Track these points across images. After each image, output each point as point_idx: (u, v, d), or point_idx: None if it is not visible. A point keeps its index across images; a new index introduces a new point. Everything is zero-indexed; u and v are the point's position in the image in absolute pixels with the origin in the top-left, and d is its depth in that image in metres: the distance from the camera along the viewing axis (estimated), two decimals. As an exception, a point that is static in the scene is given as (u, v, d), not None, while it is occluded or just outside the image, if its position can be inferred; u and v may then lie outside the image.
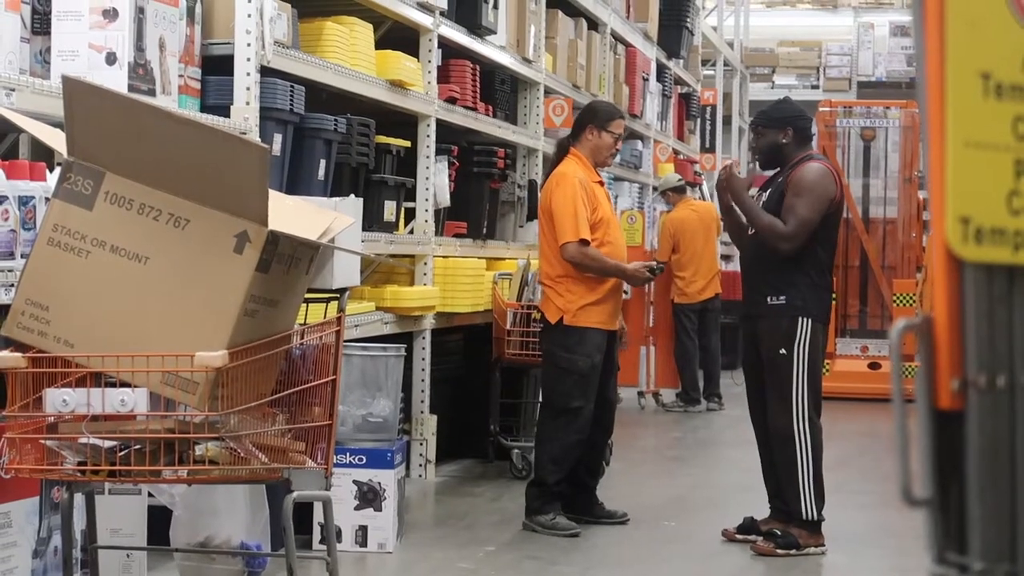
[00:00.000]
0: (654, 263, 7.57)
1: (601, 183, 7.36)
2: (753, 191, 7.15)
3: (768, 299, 6.79)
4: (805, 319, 6.71)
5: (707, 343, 13.07)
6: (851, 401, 13.00)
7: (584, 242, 7.06)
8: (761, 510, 7.04)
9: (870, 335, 14.40)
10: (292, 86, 6.66)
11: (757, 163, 7.34)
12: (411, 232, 8.34)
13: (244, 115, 6.20)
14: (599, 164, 7.40)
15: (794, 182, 6.76)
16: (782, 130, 6.95)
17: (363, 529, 6.50)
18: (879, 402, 12.75)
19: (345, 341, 4.57)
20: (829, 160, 7.21)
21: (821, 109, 14.73)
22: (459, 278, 8.65)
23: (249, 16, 6.24)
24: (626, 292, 9.57)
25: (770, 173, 7.10)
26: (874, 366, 14.05)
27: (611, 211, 7.34)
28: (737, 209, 6.95)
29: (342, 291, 4.55)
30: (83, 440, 3.98)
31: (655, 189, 14.21)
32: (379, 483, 6.51)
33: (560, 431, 7.14)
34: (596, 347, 7.14)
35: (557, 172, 7.29)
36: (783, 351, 6.72)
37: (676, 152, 16.17)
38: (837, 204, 6.84)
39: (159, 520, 5.33)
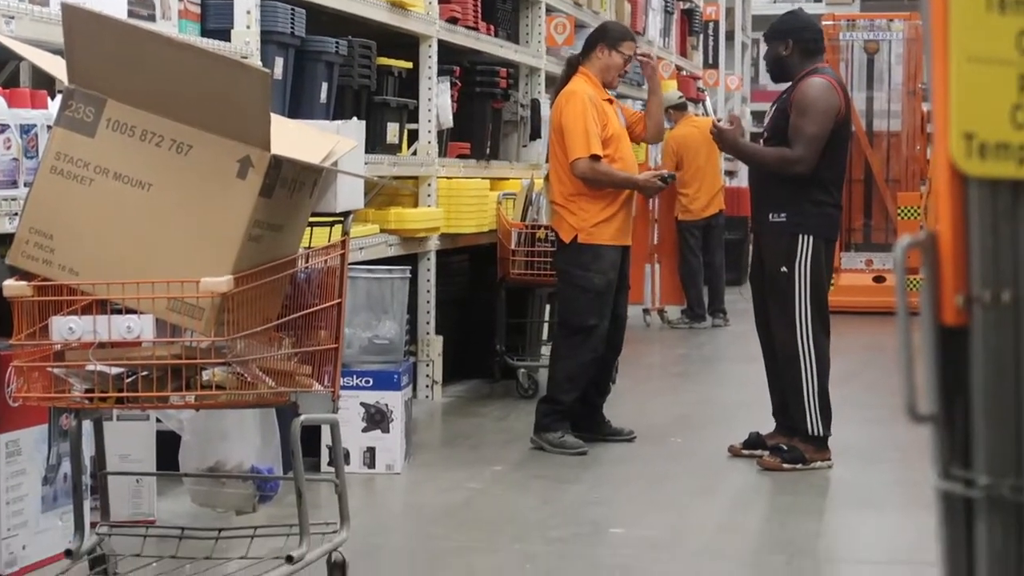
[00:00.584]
0: (665, 172, 7.56)
1: (611, 100, 7.32)
2: (765, 106, 7.13)
3: (770, 216, 6.78)
4: (806, 236, 6.68)
5: (711, 260, 13.07)
6: (856, 315, 13.00)
7: (595, 157, 7.04)
8: (767, 425, 7.07)
9: (874, 248, 14.40)
10: (293, 9, 6.63)
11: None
12: (414, 154, 8.32)
13: (245, 39, 6.17)
14: (607, 84, 7.36)
15: (797, 100, 6.71)
16: (783, 42, 6.91)
17: (371, 451, 6.53)
18: (884, 315, 12.76)
19: (350, 264, 4.57)
20: (835, 73, 7.16)
21: (824, 23, 14.64)
22: (463, 199, 8.64)
23: (247, -62, 6.20)
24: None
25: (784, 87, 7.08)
26: (879, 279, 14.06)
27: (621, 128, 7.30)
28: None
29: (346, 214, 4.54)
30: (90, 367, 3.99)
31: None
32: (386, 405, 6.54)
33: (576, 349, 7.15)
34: (611, 264, 7.14)
35: (566, 90, 7.25)
36: (784, 268, 6.70)
37: (679, 68, 16.09)
38: (843, 118, 6.79)
39: (168, 445, 5.35)
